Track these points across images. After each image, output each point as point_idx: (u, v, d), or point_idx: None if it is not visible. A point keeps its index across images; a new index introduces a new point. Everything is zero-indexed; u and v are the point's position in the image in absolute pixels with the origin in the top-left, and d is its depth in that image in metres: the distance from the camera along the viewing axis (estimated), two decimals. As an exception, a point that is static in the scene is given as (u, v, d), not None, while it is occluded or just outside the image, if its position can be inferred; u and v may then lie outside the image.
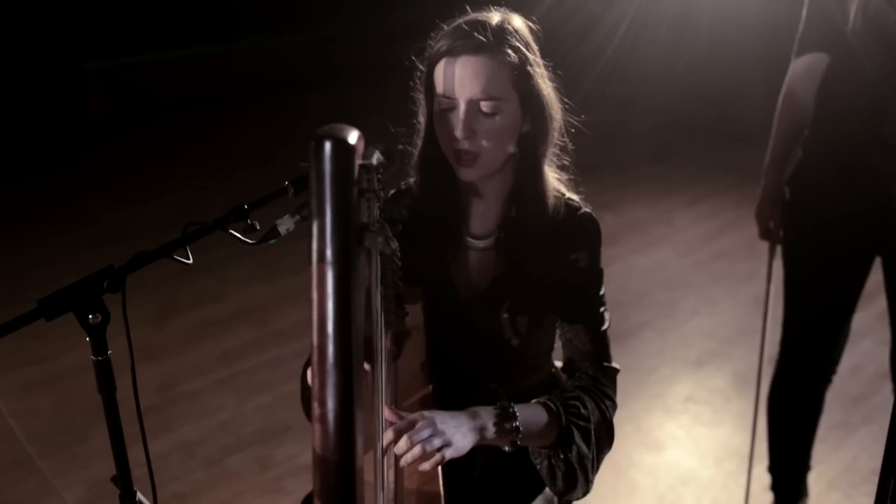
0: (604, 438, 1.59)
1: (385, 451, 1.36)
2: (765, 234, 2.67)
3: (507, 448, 1.47)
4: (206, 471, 3.16)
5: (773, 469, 2.88)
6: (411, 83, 1.62)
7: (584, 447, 1.53)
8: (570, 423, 1.52)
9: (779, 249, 2.68)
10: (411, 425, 1.34)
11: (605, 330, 1.65)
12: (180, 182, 6.14)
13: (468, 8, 1.55)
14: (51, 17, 7.26)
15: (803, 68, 2.41)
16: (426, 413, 1.37)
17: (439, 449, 1.33)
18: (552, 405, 1.53)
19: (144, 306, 4.17)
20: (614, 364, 1.66)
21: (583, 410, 1.55)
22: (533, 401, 1.54)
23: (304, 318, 4.58)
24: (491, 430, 1.42)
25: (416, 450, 1.31)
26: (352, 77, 8.33)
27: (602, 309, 1.65)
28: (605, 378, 1.63)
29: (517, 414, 1.45)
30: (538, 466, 1.59)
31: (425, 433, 1.33)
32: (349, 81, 8.26)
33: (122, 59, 7.52)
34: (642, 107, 7.11)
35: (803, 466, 2.85)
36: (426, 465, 1.33)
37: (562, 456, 1.54)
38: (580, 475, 1.55)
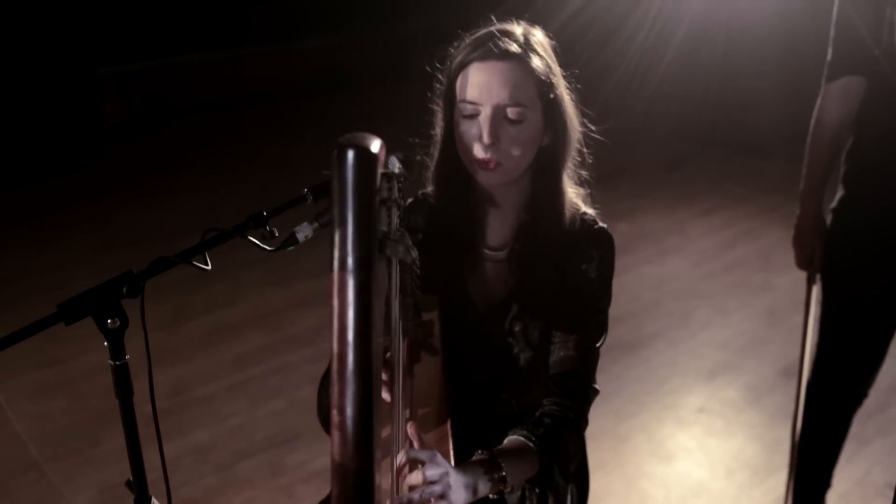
0: (574, 459, 1.61)
1: (399, 471, 1.35)
2: (805, 263, 2.60)
3: (492, 496, 1.46)
4: (218, 476, 3.16)
5: (794, 487, 2.85)
6: (428, 93, 1.62)
7: (561, 482, 1.55)
8: (552, 462, 1.52)
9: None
10: (429, 460, 1.33)
11: (598, 349, 1.63)
12: (194, 186, 6.15)
13: (493, 18, 1.56)
14: (68, 22, 7.30)
15: (837, 92, 2.37)
16: (440, 458, 1.35)
17: (440, 496, 1.32)
18: (535, 444, 1.51)
19: (158, 310, 4.17)
20: (595, 386, 1.64)
21: (564, 447, 1.55)
22: (514, 436, 1.53)
23: (317, 323, 4.58)
24: (481, 486, 1.40)
25: (418, 493, 1.31)
26: (364, 83, 8.35)
27: (600, 326, 1.63)
28: (582, 400, 1.62)
29: (503, 465, 1.44)
30: (506, 494, 1.58)
31: (436, 475, 1.32)
32: (361, 87, 8.27)
33: (138, 64, 7.55)
34: (658, 116, 7.10)
35: (825, 485, 2.82)
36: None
37: (537, 490, 1.56)
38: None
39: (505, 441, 1.52)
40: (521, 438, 1.51)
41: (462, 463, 1.43)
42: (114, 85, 7.44)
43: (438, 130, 1.61)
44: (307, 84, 8.25)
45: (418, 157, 1.63)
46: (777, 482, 3.04)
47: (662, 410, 3.57)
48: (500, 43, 1.47)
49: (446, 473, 1.33)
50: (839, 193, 2.50)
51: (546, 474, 1.52)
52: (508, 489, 1.45)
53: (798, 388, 2.78)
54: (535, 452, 1.50)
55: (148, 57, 7.62)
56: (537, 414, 1.59)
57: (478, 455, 1.45)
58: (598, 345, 1.63)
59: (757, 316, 4.36)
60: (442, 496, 1.31)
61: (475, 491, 1.39)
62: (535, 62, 1.48)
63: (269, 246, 1.37)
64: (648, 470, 3.20)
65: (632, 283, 4.64)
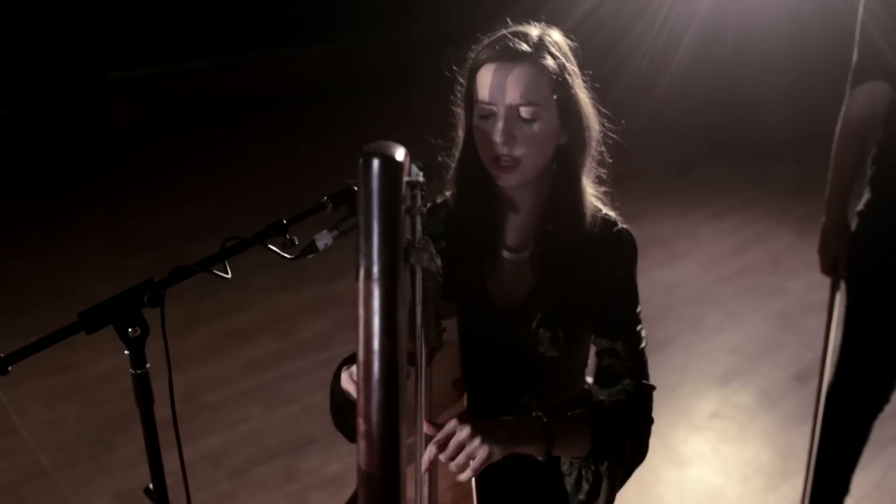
0: (636, 454, 1.60)
1: (429, 468, 1.38)
2: (830, 269, 2.58)
3: (540, 458, 1.49)
4: (231, 482, 3.16)
5: (812, 493, 2.84)
6: (452, 97, 1.62)
7: (615, 461, 1.54)
8: (604, 437, 1.53)
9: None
10: (449, 437, 1.38)
11: (643, 347, 1.65)
12: (204, 190, 6.16)
13: (509, 21, 1.57)
14: (77, 27, 7.32)
15: (862, 97, 2.37)
16: (461, 422, 1.40)
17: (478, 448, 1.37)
18: (588, 417, 1.54)
19: (169, 315, 4.15)
20: (651, 382, 1.65)
21: (618, 425, 1.55)
22: (570, 413, 1.56)
23: (328, 328, 4.56)
24: (525, 441, 1.45)
25: (460, 458, 1.36)
26: (372, 87, 8.37)
27: (639, 326, 1.64)
28: (641, 395, 1.63)
29: (551, 426, 1.48)
30: (566, 476, 1.60)
31: (464, 441, 1.37)
32: (370, 91, 8.28)
33: (148, 68, 7.57)
34: (666, 119, 7.09)
35: (843, 492, 2.81)
36: (465, 475, 1.37)
37: (592, 468, 1.54)
38: (606, 489, 1.55)
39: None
40: (578, 412, 1.56)
41: (512, 417, 1.49)
42: (123, 89, 7.46)
43: (461, 132, 1.62)
44: (316, 88, 8.27)
45: (439, 159, 1.64)
46: (792, 488, 3.03)
47: (675, 416, 3.56)
48: (512, 44, 1.49)
49: (471, 433, 1.37)
50: (865, 196, 2.49)
51: (599, 455, 1.53)
52: (553, 450, 1.48)
53: (818, 394, 2.76)
54: (588, 429, 1.53)
55: (157, 61, 7.63)
56: (596, 399, 1.62)
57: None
58: (642, 345, 1.66)
59: (769, 320, 4.35)
60: (484, 454, 1.36)
61: (517, 442, 1.43)
62: (548, 61, 1.49)
63: (289, 254, 1.37)
64: (662, 476, 3.19)
65: (643, 288, 4.55)
